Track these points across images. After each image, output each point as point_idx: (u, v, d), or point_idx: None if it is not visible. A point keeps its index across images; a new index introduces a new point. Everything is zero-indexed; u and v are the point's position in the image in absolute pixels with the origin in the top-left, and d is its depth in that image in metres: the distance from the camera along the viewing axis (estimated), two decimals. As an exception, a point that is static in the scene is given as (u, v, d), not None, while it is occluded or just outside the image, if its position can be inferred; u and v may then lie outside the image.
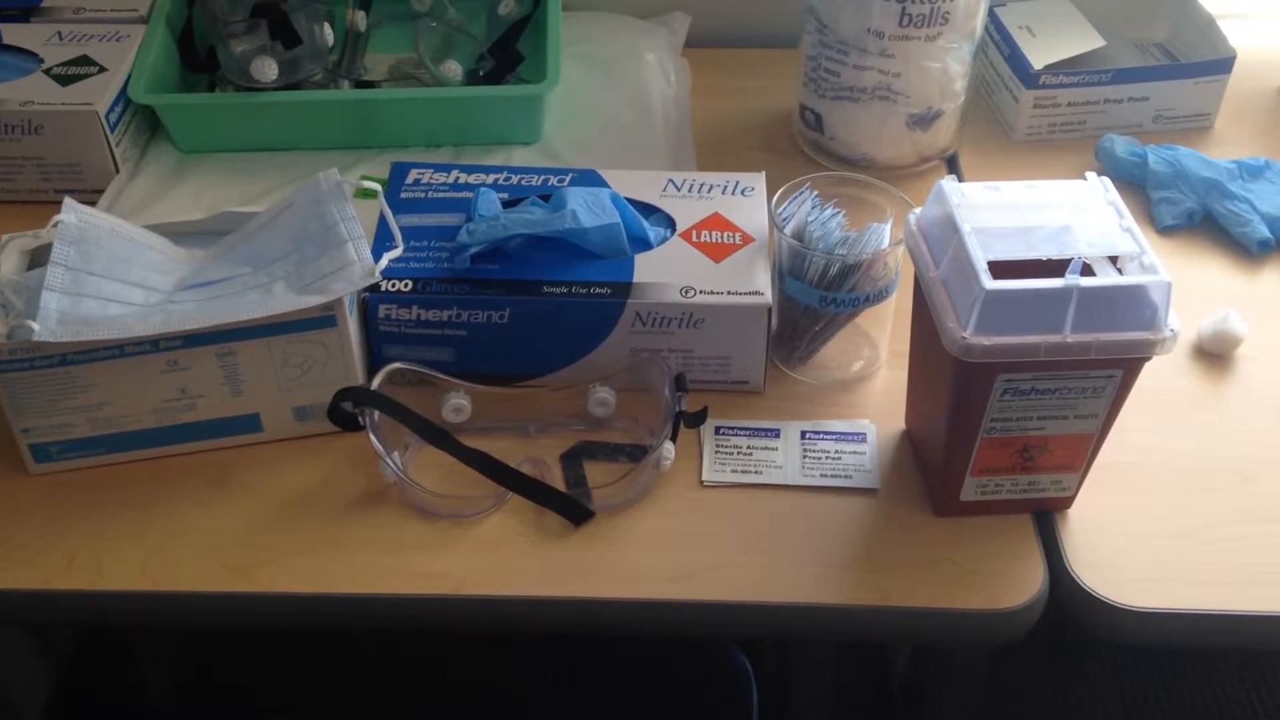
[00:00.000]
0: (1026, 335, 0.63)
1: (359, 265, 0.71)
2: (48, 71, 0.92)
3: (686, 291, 0.75)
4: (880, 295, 0.75)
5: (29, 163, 0.91)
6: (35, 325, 0.66)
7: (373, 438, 0.70)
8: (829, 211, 0.77)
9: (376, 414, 0.71)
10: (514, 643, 0.96)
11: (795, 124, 1.00)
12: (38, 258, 0.73)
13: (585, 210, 0.76)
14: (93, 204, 0.91)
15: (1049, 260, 0.64)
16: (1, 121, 0.89)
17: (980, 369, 0.64)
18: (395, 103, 0.95)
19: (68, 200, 0.71)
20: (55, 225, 0.69)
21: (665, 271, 0.76)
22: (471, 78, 0.98)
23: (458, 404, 0.75)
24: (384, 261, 0.72)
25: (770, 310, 0.75)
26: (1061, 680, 1.20)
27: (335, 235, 0.72)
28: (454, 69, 0.97)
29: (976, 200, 0.67)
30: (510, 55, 0.97)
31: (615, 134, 0.98)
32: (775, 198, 0.77)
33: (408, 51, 1.03)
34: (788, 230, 0.75)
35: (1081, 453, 0.69)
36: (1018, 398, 0.65)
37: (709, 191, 0.82)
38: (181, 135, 0.96)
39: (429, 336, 0.76)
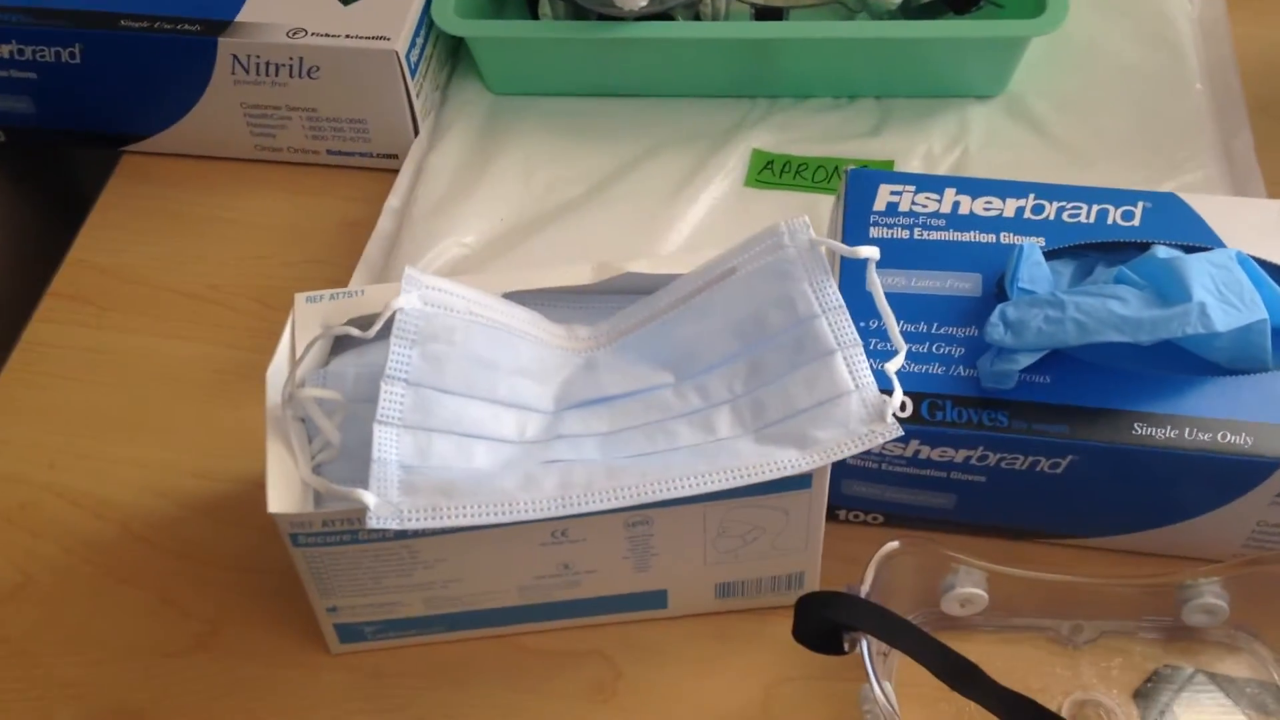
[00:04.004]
0: None
1: (857, 397, 0.43)
2: (337, -20, 0.66)
3: (1386, 454, 0.45)
4: None
5: (296, 114, 0.65)
6: (370, 500, 0.41)
7: (876, 686, 0.44)
8: None
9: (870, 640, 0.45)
10: None
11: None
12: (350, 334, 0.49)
13: (1217, 301, 0.46)
14: (381, 174, 0.66)
15: None
16: (262, 59, 0.63)
17: None
18: (808, 43, 0.65)
19: (409, 273, 0.44)
20: (393, 313, 0.43)
21: (1338, 407, 0.46)
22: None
23: (968, 595, 0.48)
24: (898, 396, 0.44)
25: None
26: None
27: (813, 337, 0.44)
28: (890, -11, 0.66)
29: None
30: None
31: (1121, 85, 0.66)
32: None
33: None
34: None
35: None
36: None
37: (1385, 249, 0.51)
38: (498, 76, 0.68)
39: (922, 479, 0.49)
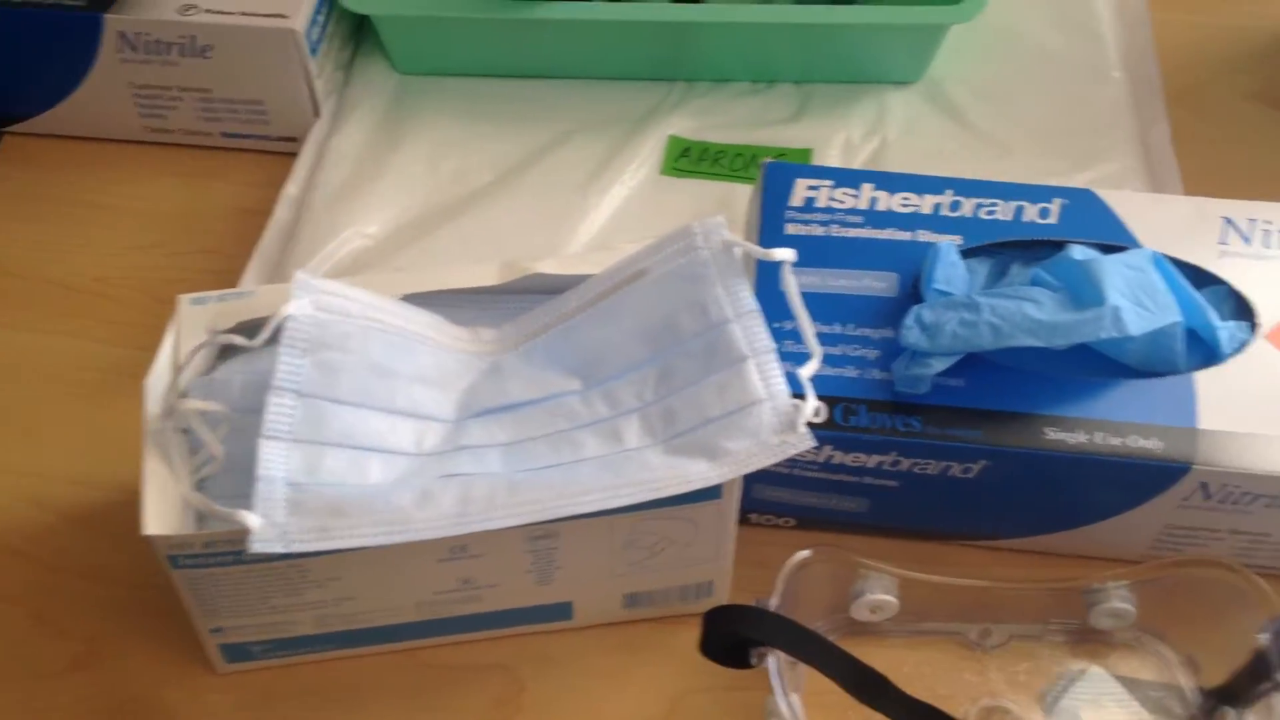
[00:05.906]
0: None
1: (769, 406, 0.42)
2: (213, -49, 0.62)
3: (1294, 460, 0.45)
4: None
5: (188, 95, 0.62)
6: (253, 522, 0.38)
7: (780, 698, 0.43)
8: None
9: (780, 656, 0.44)
10: None
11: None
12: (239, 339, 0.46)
13: (1131, 305, 0.45)
14: (280, 157, 0.63)
15: None
16: (151, 36, 0.59)
17: None
18: (727, 27, 0.63)
19: (300, 277, 0.41)
20: (283, 320, 0.41)
21: (1249, 409, 0.45)
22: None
23: (878, 601, 0.48)
24: (810, 404, 0.42)
25: None
26: None
27: (725, 343, 0.43)
28: (809, -32, 0.64)
29: None
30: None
31: (1041, 73, 0.66)
32: None
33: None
34: None
35: None
36: None
37: (1296, 252, 0.51)
38: (405, 55, 0.65)
39: (835, 483, 0.48)
